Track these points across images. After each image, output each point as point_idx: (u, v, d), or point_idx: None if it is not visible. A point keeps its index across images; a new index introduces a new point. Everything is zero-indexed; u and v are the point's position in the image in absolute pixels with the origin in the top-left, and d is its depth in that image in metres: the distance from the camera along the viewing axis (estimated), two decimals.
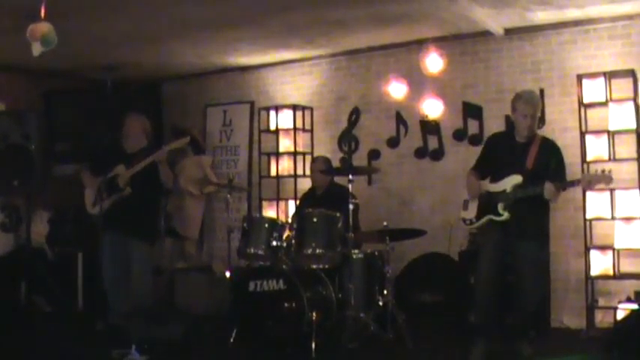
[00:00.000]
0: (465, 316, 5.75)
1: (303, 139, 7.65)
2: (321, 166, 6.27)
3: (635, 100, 5.79)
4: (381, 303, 5.49)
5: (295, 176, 7.52)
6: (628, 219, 5.77)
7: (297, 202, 7.04)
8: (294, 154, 7.55)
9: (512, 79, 6.33)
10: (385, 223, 5.51)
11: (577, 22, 6.12)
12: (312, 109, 7.66)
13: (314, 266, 5.58)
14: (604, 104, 5.88)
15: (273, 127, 7.63)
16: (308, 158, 7.45)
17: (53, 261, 7.19)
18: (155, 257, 6.06)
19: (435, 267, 6.22)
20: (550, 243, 5.17)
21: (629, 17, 5.90)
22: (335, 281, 5.51)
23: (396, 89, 6.94)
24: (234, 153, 8.18)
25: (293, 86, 7.79)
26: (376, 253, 5.71)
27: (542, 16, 6.03)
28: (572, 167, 5.50)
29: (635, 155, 5.77)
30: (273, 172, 7.68)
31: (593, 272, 5.83)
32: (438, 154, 6.89)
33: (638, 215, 5.72)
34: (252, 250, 5.66)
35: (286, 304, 5.19)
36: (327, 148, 7.49)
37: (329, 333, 5.24)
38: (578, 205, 5.94)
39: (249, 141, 8.09)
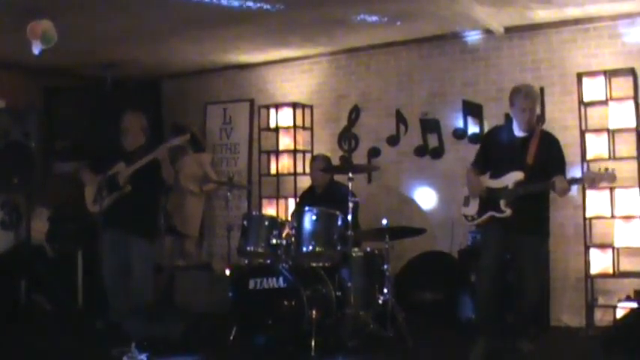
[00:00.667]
0: (465, 314, 5.77)
1: (303, 137, 7.65)
2: (321, 165, 6.26)
3: (635, 98, 5.79)
4: (380, 301, 5.48)
5: (295, 174, 7.52)
6: (628, 217, 5.77)
7: (297, 200, 7.04)
8: (294, 152, 7.55)
9: (512, 78, 6.32)
10: (385, 222, 5.50)
11: (577, 21, 6.12)
12: (312, 107, 7.65)
13: (314, 264, 5.59)
14: (604, 103, 5.89)
15: (273, 125, 7.63)
16: (308, 156, 7.45)
17: (53, 259, 7.19)
18: (155, 255, 6.05)
19: (434, 265, 6.22)
20: (550, 241, 5.16)
21: (630, 16, 5.90)
22: (335, 279, 5.51)
23: None
24: (234, 151, 8.18)
25: (293, 84, 7.79)
26: (376, 252, 5.70)
27: (542, 14, 6.02)
28: (572, 166, 5.51)
29: (634, 154, 5.77)
30: (273, 170, 7.67)
31: (593, 271, 5.83)
32: (437, 153, 6.88)
33: (637, 214, 5.73)
34: (252, 248, 5.66)
35: (286, 302, 5.19)
36: (327, 146, 7.48)
37: (328, 331, 5.24)
38: (578, 203, 5.95)
39: (249, 139, 8.09)
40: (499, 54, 6.58)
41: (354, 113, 7.38)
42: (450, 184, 6.48)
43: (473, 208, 5.02)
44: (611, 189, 5.70)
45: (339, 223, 5.52)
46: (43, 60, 6.00)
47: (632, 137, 5.79)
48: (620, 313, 5.52)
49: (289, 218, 6.37)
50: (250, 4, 5.67)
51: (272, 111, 7.64)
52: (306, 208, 5.66)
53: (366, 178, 7.21)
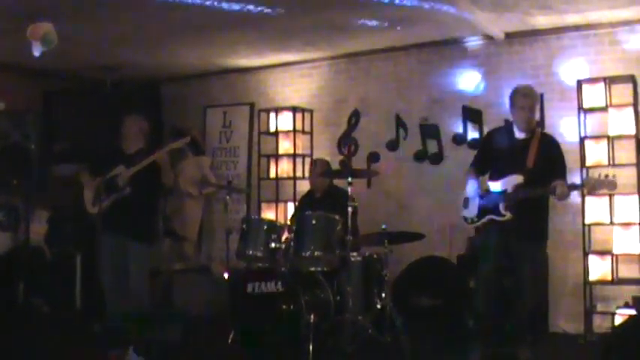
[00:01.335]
0: (464, 320, 5.75)
1: (302, 141, 7.65)
2: (320, 169, 6.26)
3: (634, 105, 5.79)
4: (379, 306, 5.46)
5: (294, 178, 7.52)
6: (627, 224, 5.77)
7: (296, 204, 7.03)
8: (294, 156, 7.55)
9: (512, 84, 6.30)
10: (384, 226, 5.49)
11: (577, 27, 6.13)
12: (311, 112, 7.66)
13: (312, 269, 5.57)
14: (604, 109, 5.89)
15: (272, 129, 7.63)
16: (307, 160, 7.46)
17: (51, 261, 7.18)
18: (153, 258, 6.04)
19: (433, 270, 6.20)
20: (548, 247, 5.16)
21: (630, 23, 5.91)
22: (333, 284, 5.49)
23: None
24: (234, 154, 8.18)
25: (293, 88, 7.79)
26: (375, 256, 5.69)
27: (542, 20, 6.04)
28: (572, 172, 5.50)
29: (634, 161, 5.78)
30: (272, 174, 7.68)
31: (592, 277, 5.83)
32: (437, 158, 6.89)
33: (636, 221, 5.73)
34: (250, 252, 5.64)
35: (284, 307, 5.18)
36: (326, 150, 7.49)
37: (327, 336, 5.21)
38: (577, 210, 5.94)
39: (248, 143, 8.09)
40: (499, 60, 6.60)
41: (354, 118, 7.39)
42: (449, 190, 6.47)
43: (472, 210, 5.01)
44: (611, 196, 5.70)
45: (338, 227, 5.51)
46: (43, 62, 6.01)
47: (632, 144, 5.79)
48: (618, 320, 5.53)
49: (288, 222, 6.37)
50: (251, 8, 5.68)
51: (272, 115, 7.65)
52: (305, 213, 5.66)
53: (366, 183, 7.21)
